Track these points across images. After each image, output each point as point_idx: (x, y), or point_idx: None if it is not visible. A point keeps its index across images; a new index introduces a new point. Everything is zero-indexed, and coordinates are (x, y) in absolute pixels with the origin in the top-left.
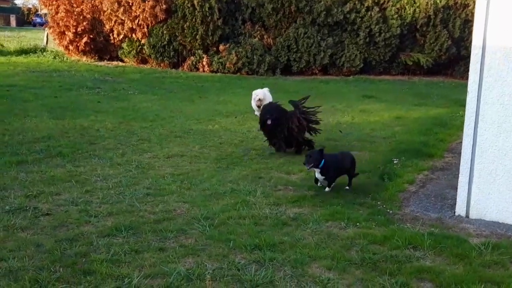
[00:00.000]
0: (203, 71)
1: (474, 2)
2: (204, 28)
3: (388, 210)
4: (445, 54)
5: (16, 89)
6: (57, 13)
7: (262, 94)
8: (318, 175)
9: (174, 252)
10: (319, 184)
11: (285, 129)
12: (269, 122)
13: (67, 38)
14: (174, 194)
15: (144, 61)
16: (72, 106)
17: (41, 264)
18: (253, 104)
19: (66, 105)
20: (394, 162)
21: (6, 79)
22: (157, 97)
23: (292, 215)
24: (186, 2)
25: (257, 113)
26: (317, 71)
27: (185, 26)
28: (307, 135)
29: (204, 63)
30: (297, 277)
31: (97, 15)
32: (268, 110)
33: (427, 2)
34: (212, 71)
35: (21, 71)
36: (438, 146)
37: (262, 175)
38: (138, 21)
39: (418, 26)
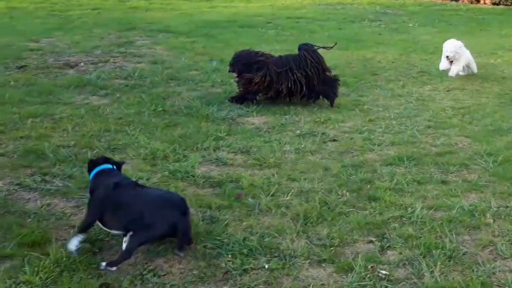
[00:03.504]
0: (484, 3)
1: None
2: None
3: None
4: None
5: (304, 21)
6: None
7: (452, 50)
8: None
9: (456, 186)
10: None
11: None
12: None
13: None
14: (455, 127)
15: None
16: (355, 37)
17: (329, 187)
18: (443, 60)
19: (349, 36)
20: None
21: (294, 11)
22: (437, 29)
23: None
24: None
25: (443, 67)
26: None
27: None
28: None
29: None
30: None
31: None
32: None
33: None
34: (494, 4)
35: (308, 4)
36: None
37: None
38: None
39: None
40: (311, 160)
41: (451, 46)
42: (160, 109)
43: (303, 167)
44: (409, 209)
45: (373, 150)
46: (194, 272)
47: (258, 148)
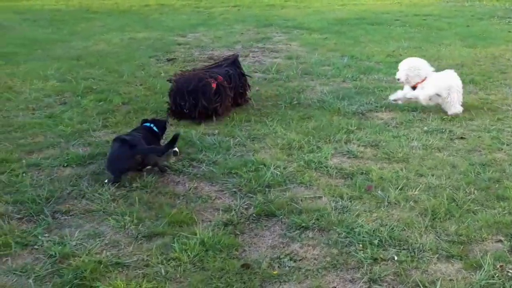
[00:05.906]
0: None
1: None
2: None
3: None
4: None
5: (431, 18)
6: None
7: (404, 71)
8: None
9: None
10: None
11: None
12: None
13: None
14: None
15: None
16: (483, 35)
17: (457, 184)
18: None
19: (477, 34)
20: None
21: (422, 8)
22: None
23: None
24: None
25: (394, 96)
26: None
27: None
28: None
29: None
30: None
31: None
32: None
33: None
34: None
35: (436, 1)
36: None
37: None
38: None
39: None
40: (439, 156)
41: (405, 65)
42: (295, 102)
43: (431, 163)
44: None
45: (502, 149)
46: (327, 259)
47: (387, 142)
